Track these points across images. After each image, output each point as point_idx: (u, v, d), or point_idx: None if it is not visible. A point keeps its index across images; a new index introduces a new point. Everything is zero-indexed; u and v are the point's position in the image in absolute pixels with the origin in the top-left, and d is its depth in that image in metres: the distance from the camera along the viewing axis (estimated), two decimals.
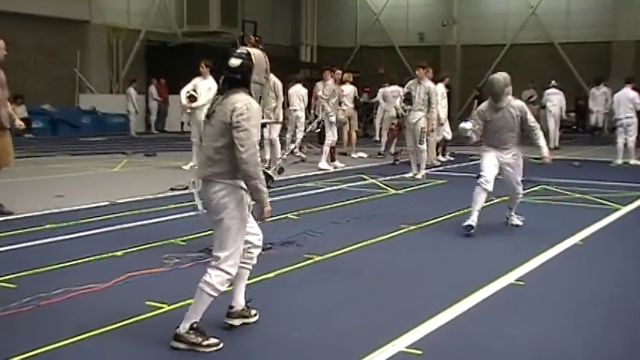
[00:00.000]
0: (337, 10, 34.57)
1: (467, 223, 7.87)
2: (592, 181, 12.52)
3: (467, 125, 8.20)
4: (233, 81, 4.47)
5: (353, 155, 17.11)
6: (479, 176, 8.08)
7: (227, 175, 4.41)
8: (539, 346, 4.63)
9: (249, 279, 4.96)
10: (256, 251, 4.79)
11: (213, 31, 27.91)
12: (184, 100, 13.19)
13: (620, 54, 28.23)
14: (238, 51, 4.54)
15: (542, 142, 8.13)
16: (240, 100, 4.37)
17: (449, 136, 16.08)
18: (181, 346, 4.39)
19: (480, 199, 8.01)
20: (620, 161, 15.93)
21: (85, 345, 4.44)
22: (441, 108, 14.85)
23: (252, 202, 4.47)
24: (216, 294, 4.46)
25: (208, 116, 4.53)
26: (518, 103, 8.13)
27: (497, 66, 29.74)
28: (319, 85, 15.11)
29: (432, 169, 14.16)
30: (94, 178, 12.47)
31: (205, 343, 4.39)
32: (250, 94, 4.45)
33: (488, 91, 8.10)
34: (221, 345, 4.44)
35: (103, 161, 15.07)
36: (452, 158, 16.30)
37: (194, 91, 13.20)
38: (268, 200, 4.41)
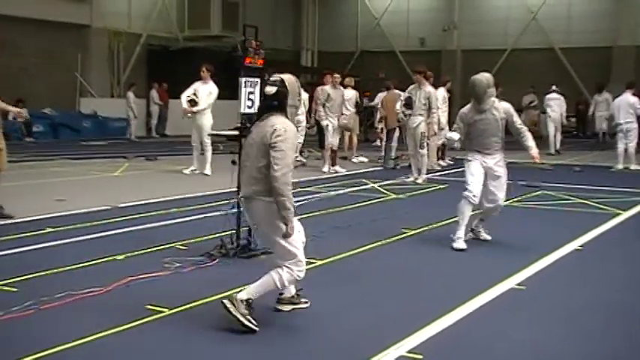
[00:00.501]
0: (338, 15, 34.61)
1: (455, 246, 7.51)
2: (592, 186, 12.52)
3: (454, 136, 7.87)
4: (271, 107, 4.88)
5: (354, 160, 17.12)
6: (465, 189, 7.69)
7: (268, 192, 4.74)
8: (541, 350, 4.63)
9: (250, 282, 4.96)
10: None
11: (215, 35, 27.92)
12: (185, 105, 13.20)
13: (621, 59, 28.24)
14: (272, 79, 4.92)
15: (530, 142, 7.69)
16: (279, 122, 4.77)
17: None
18: (231, 309, 4.71)
19: (467, 213, 7.64)
20: (620, 166, 15.93)
21: (86, 349, 4.44)
22: (442, 113, 14.87)
23: None
24: (280, 286, 4.89)
25: (245, 136, 5.03)
26: (504, 105, 7.73)
27: (497, 71, 29.83)
28: (320, 89, 15.14)
29: (433, 174, 14.17)
30: (95, 182, 12.48)
31: (246, 321, 4.69)
32: (287, 117, 4.86)
33: (471, 92, 7.72)
34: (256, 330, 4.71)
35: (103, 165, 15.07)
36: (451, 163, 16.32)
37: (194, 95, 13.21)
38: (293, 218, 4.77)
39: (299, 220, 8.73)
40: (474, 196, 7.60)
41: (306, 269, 6.45)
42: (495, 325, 5.10)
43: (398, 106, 13.53)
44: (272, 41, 27.73)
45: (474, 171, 7.66)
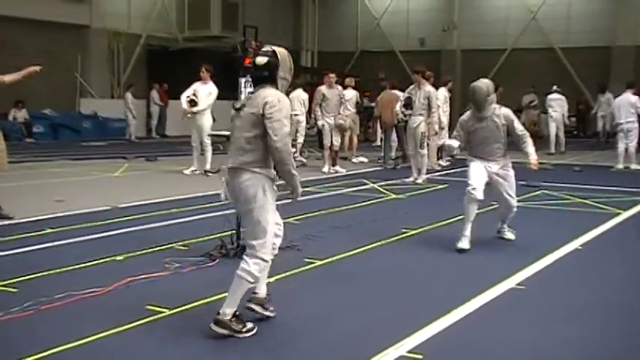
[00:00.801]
0: (338, 15, 34.62)
1: (459, 246, 7.41)
2: (593, 185, 12.52)
3: (454, 143, 7.74)
4: (261, 78, 4.81)
5: (354, 160, 17.13)
6: (467, 185, 7.59)
7: (256, 163, 4.69)
8: (540, 350, 4.63)
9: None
10: (278, 241, 5.03)
11: (214, 35, 27.93)
12: (185, 105, 13.21)
13: (620, 59, 28.26)
14: (264, 49, 4.88)
15: (530, 149, 7.57)
16: (271, 94, 4.69)
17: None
18: (222, 331, 4.63)
19: (471, 210, 7.52)
20: (621, 166, 15.94)
21: (86, 349, 4.44)
22: (443, 113, 14.89)
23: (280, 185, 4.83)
24: (253, 280, 4.74)
25: (238, 109, 4.83)
26: (505, 111, 7.57)
27: (497, 71, 29.86)
28: (320, 89, 15.14)
29: (433, 174, 14.17)
30: (95, 183, 12.48)
31: (245, 329, 4.68)
32: (278, 89, 4.78)
33: (471, 99, 7.57)
34: (255, 329, 4.73)
35: (103, 166, 15.07)
36: (450, 162, 16.30)
37: (194, 95, 13.22)
38: (299, 185, 4.80)
39: (296, 220, 8.76)
40: (474, 189, 7.47)
41: (306, 269, 6.51)
42: (495, 325, 5.10)
43: (397, 106, 13.53)
44: (272, 41, 27.50)
45: (475, 167, 7.61)
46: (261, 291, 5.05)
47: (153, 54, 27.51)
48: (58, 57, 24.29)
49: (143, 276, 6.03)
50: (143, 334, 4.76)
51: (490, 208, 8.68)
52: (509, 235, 8.02)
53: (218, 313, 4.66)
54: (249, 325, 4.74)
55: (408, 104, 13.00)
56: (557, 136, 20.04)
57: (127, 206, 9.70)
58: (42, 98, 23.10)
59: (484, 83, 7.48)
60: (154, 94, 25.45)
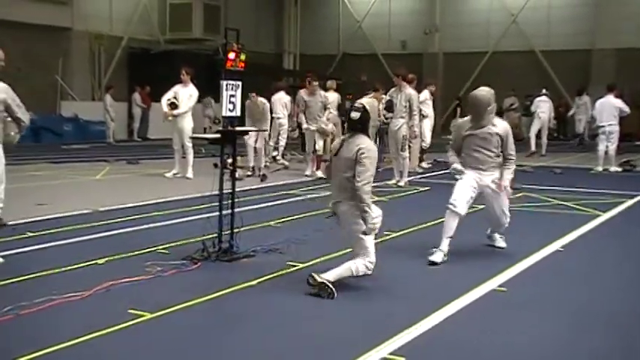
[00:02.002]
0: (320, 18, 34.65)
1: (430, 258, 7.06)
2: (573, 188, 12.62)
3: (458, 166, 7.40)
4: (356, 128, 6.04)
5: None
6: (451, 198, 7.30)
7: (353, 198, 5.86)
8: (521, 351, 4.67)
9: (232, 286, 4.96)
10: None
11: (196, 38, 27.86)
12: (166, 108, 13.18)
13: (600, 62, 28.52)
14: (356, 106, 6.14)
15: (508, 173, 7.31)
16: (364, 143, 5.92)
17: (426, 145, 16.22)
18: (315, 290, 5.70)
19: (450, 225, 7.17)
20: (600, 168, 16.06)
21: (67, 354, 4.42)
22: (431, 115, 15.17)
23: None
24: (354, 273, 5.91)
25: (336, 154, 6.10)
26: (504, 125, 7.35)
27: (479, 74, 30.02)
28: (302, 92, 15.13)
29: (415, 177, 14.22)
30: (77, 186, 12.40)
31: (331, 287, 5.70)
32: (368, 136, 6.08)
33: (470, 107, 7.34)
34: (336, 293, 5.63)
35: (85, 169, 14.98)
36: (431, 165, 16.37)
37: (175, 98, 13.20)
38: (372, 220, 5.86)
39: (279, 223, 8.73)
40: (455, 205, 7.17)
41: (288, 272, 6.52)
42: (477, 327, 5.13)
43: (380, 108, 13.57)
44: (254, 44, 27.68)
45: (462, 181, 7.31)
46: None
47: (134, 56, 27.38)
48: (39, 59, 24.12)
49: (124, 280, 6.00)
50: (125, 338, 4.74)
51: (474, 209, 8.70)
52: (500, 242, 7.80)
53: (320, 274, 5.75)
54: (333, 289, 5.70)
55: (389, 107, 13.04)
56: (539, 138, 20.19)
57: (109, 209, 9.65)
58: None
59: (486, 92, 7.24)
60: (136, 97, 25.35)
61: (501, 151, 7.28)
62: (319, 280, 5.71)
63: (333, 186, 6.22)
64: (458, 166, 7.41)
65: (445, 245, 7.14)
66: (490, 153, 7.26)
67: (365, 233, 5.90)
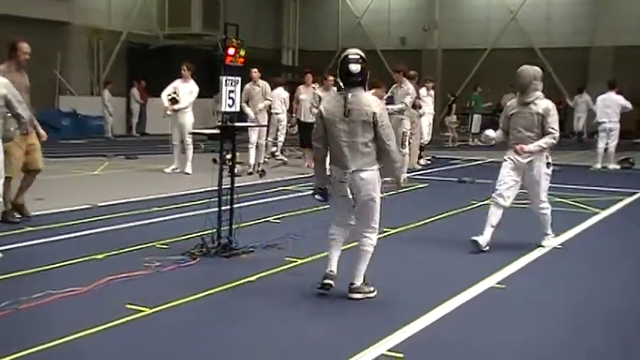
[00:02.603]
0: (319, 14, 34.59)
1: (475, 238, 7.40)
2: (571, 185, 12.62)
3: (491, 134, 7.82)
4: (355, 82, 5.44)
5: None
6: (494, 190, 7.59)
7: (373, 163, 5.53)
8: (519, 350, 4.67)
9: (231, 281, 4.96)
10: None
11: (195, 33, 27.80)
12: (166, 103, 13.17)
13: (599, 59, 28.52)
14: (352, 56, 5.44)
15: (538, 144, 7.34)
16: (372, 102, 5.48)
17: (424, 141, 16.27)
18: (358, 296, 5.55)
19: (493, 215, 7.48)
20: (599, 166, 16.06)
21: (65, 349, 4.42)
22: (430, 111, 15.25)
23: (384, 179, 5.72)
24: (373, 250, 5.70)
25: (346, 115, 5.43)
26: (546, 103, 7.43)
27: (478, 70, 30.00)
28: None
29: (414, 173, 14.21)
30: (75, 181, 12.40)
31: (372, 293, 5.65)
32: (365, 89, 5.51)
33: (516, 83, 7.58)
34: (376, 291, 5.63)
35: (83, 164, 14.96)
36: (430, 162, 16.39)
37: (175, 93, 13.19)
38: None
39: (277, 219, 8.76)
40: (499, 195, 7.48)
41: (286, 268, 6.52)
42: (475, 325, 5.13)
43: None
44: (253, 40, 27.65)
45: (504, 172, 7.54)
46: (334, 269, 5.74)
47: (133, 51, 27.33)
48: (37, 54, 23.85)
49: (123, 275, 6.00)
50: (123, 333, 4.74)
51: (472, 206, 8.71)
52: (547, 241, 7.72)
53: (352, 284, 5.56)
54: (372, 287, 5.64)
55: (390, 104, 13.03)
56: None
57: (107, 205, 9.64)
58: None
59: (531, 68, 7.51)
60: (135, 92, 25.30)
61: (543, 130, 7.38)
62: (357, 291, 5.60)
63: (349, 154, 5.50)
64: (489, 132, 7.91)
65: (487, 232, 7.47)
66: (530, 133, 7.38)
67: (398, 185, 5.93)
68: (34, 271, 6.17)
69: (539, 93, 7.42)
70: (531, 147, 7.35)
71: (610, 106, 15.95)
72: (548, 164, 7.51)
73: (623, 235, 8.68)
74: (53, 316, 5.02)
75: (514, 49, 29.93)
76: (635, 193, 11.77)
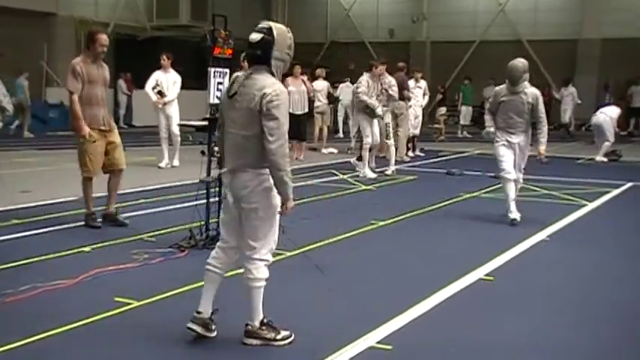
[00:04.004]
0: (308, 6, 34.52)
1: (511, 217, 8.35)
2: (559, 177, 12.67)
3: (491, 129, 8.66)
4: (253, 57, 4.34)
5: (323, 151, 17.12)
6: (499, 169, 8.49)
7: (259, 164, 4.27)
8: (508, 340, 4.69)
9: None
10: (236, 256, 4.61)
11: (183, 24, 27.68)
12: (154, 97, 13.08)
13: (586, 52, 28.66)
14: (260, 25, 4.39)
15: (543, 138, 8.50)
16: (269, 85, 4.22)
17: (417, 132, 16.32)
18: (255, 342, 4.45)
19: (510, 190, 8.42)
20: (599, 158, 16.50)
21: (53, 342, 4.39)
22: (415, 103, 15.29)
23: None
24: (265, 282, 4.47)
25: (231, 96, 4.35)
26: (533, 90, 8.37)
27: (466, 62, 30.04)
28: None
29: (402, 165, 14.22)
30: (62, 173, 12.29)
31: (279, 337, 4.47)
32: (272, 72, 4.31)
33: (507, 74, 8.39)
34: (293, 337, 4.50)
35: (70, 156, 14.77)
36: (422, 154, 16.44)
37: (159, 85, 13.10)
38: (292, 194, 4.32)
39: None
40: (508, 172, 8.40)
41: (275, 261, 6.47)
42: (464, 316, 5.14)
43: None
44: (241, 31, 27.41)
45: (502, 152, 8.44)
46: (206, 310, 4.53)
47: (121, 43, 27.11)
48: (24, 45, 23.88)
49: (111, 268, 5.98)
50: (111, 326, 4.72)
51: (460, 198, 8.74)
52: (515, 214, 8.50)
53: (247, 325, 4.46)
54: (284, 332, 4.49)
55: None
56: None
57: (94, 197, 9.56)
58: (7, 87, 22.67)
59: (521, 62, 8.38)
60: (122, 84, 25.18)
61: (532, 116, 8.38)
62: (252, 335, 4.48)
63: (227, 148, 4.45)
64: (491, 129, 8.66)
65: (513, 206, 8.41)
66: (520, 119, 8.35)
67: (281, 212, 4.41)
68: (21, 263, 6.13)
69: (527, 83, 8.31)
70: (544, 147, 8.60)
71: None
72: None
73: (610, 226, 8.72)
74: (40, 310, 4.98)
75: (502, 41, 29.99)
76: (622, 185, 11.83)
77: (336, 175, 12.74)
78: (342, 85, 21.15)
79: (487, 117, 8.78)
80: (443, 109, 22.93)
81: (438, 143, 19.78)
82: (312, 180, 11.97)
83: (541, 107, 8.36)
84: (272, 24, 4.38)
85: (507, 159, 8.42)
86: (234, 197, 4.40)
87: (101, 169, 7.90)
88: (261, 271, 4.44)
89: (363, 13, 33.24)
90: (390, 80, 13.02)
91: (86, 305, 5.01)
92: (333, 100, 19.31)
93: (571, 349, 4.59)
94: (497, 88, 8.70)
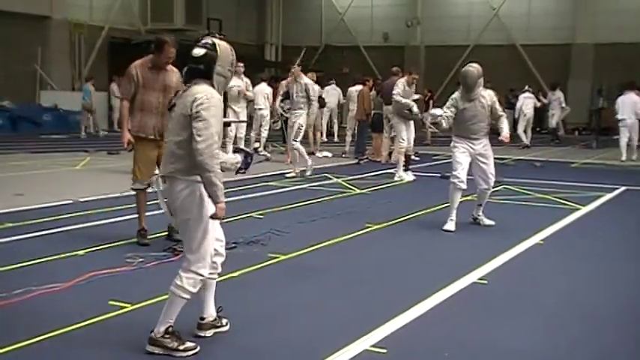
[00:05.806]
0: (302, 10, 34.58)
1: (445, 227, 8.18)
2: (553, 181, 12.71)
3: (436, 111, 8.49)
4: (195, 71, 4.32)
5: (318, 155, 17.12)
6: (452, 175, 8.29)
7: (190, 171, 4.21)
8: (501, 345, 4.69)
9: None
10: (220, 259, 4.58)
11: (178, 28, 27.66)
12: None
13: (579, 56, 28.81)
14: (203, 41, 4.38)
15: (505, 126, 8.43)
16: (201, 90, 4.23)
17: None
18: (157, 350, 4.30)
19: (456, 198, 8.26)
20: (624, 158, 16.91)
21: (46, 346, 4.38)
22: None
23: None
24: (188, 296, 4.32)
25: (170, 109, 4.44)
26: (489, 92, 8.40)
27: (460, 67, 30.02)
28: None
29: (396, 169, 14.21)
30: (56, 176, 12.30)
31: (182, 347, 4.31)
32: (213, 87, 4.30)
33: (462, 81, 8.26)
34: (198, 348, 4.36)
35: (64, 159, 14.86)
36: (417, 158, 16.44)
37: None
38: (223, 197, 4.18)
39: (260, 214, 8.73)
40: (460, 181, 8.19)
41: (269, 264, 6.49)
42: (458, 320, 5.15)
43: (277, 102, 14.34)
44: (236, 35, 27.60)
45: (460, 158, 8.27)
46: (209, 314, 4.64)
47: (115, 46, 27.16)
48: (18, 48, 23.86)
49: (105, 271, 5.97)
50: (106, 329, 4.71)
51: (447, 204, 8.74)
52: (486, 221, 8.57)
53: (152, 331, 4.33)
54: (189, 344, 4.33)
55: (287, 99, 13.55)
56: (525, 132, 21.19)
57: (89, 200, 9.58)
58: (1, 90, 22.67)
59: (475, 68, 8.19)
60: (114, 87, 25.14)
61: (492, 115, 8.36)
62: (155, 343, 4.32)
63: (164, 154, 4.57)
64: (434, 110, 8.66)
65: (454, 215, 8.24)
66: (482, 124, 8.28)
67: (214, 216, 4.21)
68: (15, 267, 6.12)
69: (481, 87, 8.22)
70: (506, 133, 8.44)
71: (629, 105, 17.25)
72: None
73: (604, 230, 8.73)
74: (34, 313, 4.97)
75: (496, 45, 30.11)
76: (615, 189, 11.87)
77: (331, 178, 12.74)
78: (327, 87, 21.19)
79: (448, 109, 8.26)
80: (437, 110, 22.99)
81: (432, 147, 19.78)
82: (306, 184, 11.97)
83: (498, 106, 8.42)
84: (216, 40, 4.39)
85: (464, 167, 8.25)
86: (170, 209, 4.40)
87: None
88: (189, 284, 4.30)
89: (357, 18, 33.32)
90: (305, 83, 13.36)
91: (80, 309, 5.00)
92: (324, 104, 19.33)
93: (564, 353, 4.60)
94: (453, 95, 8.30)
